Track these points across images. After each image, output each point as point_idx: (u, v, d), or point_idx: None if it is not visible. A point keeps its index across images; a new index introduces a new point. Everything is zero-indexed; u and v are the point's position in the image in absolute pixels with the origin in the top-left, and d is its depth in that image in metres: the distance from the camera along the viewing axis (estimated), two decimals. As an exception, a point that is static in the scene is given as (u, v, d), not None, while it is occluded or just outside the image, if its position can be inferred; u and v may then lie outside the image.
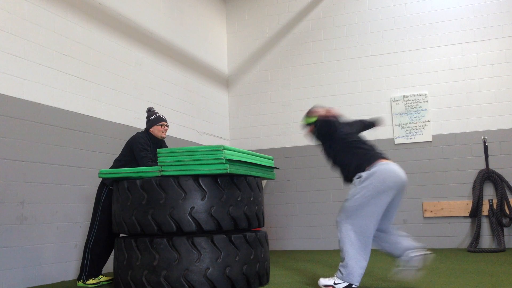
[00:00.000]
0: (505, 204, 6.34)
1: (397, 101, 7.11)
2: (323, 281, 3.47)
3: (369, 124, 4.08)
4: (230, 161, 3.48)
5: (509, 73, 6.68)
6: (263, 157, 4.05)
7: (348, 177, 3.56)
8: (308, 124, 3.87)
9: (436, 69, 7.02)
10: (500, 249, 5.97)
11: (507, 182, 6.42)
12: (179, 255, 3.40)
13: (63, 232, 4.59)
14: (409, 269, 3.47)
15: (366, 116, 7.24)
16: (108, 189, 4.23)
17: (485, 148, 6.61)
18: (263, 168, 4.07)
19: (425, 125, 6.93)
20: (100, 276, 4.22)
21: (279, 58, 7.92)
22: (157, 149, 3.73)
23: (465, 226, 6.60)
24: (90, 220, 4.41)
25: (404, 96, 7.08)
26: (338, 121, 3.73)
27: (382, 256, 5.85)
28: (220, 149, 3.45)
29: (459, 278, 3.90)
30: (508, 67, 6.69)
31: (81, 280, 4.16)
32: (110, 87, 5.37)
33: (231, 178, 3.66)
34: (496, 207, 6.37)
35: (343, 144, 3.59)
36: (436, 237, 6.69)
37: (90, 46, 5.13)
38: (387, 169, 3.35)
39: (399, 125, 7.06)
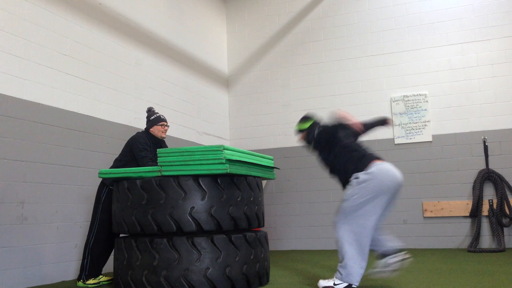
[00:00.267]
0: (505, 204, 6.35)
1: (397, 101, 7.11)
2: (322, 282, 3.47)
3: (373, 123, 4.01)
4: (230, 161, 3.48)
5: (509, 73, 6.68)
6: (263, 157, 4.05)
7: (346, 180, 3.53)
8: (301, 130, 3.83)
9: (436, 69, 7.02)
10: (500, 249, 5.97)
11: (507, 182, 6.42)
12: (179, 255, 3.40)
13: (63, 232, 4.59)
14: (387, 272, 3.51)
15: (366, 116, 7.26)
16: (108, 189, 4.23)
17: (485, 148, 6.61)
18: (263, 168, 4.07)
19: (425, 125, 6.93)
20: (100, 276, 4.22)
21: (279, 58, 7.92)
22: (157, 149, 3.74)
23: (465, 226, 6.60)
24: (90, 220, 4.41)
25: (404, 96, 7.08)
26: (337, 126, 3.67)
27: (382, 256, 5.84)
28: (220, 149, 3.45)
29: (459, 278, 3.90)
30: (508, 67, 6.69)
31: (81, 280, 4.16)
32: (110, 87, 5.37)
33: (231, 178, 3.66)
34: (496, 207, 6.37)
35: (339, 148, 3.57)
36: (436, 237, 6.69)
37: (90, 46, 5.13)
38: (385, 169, 3.36)
39: (399, 125, 7.06)
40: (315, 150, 3.74)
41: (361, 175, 3.37)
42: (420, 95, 6.99)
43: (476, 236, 6.31)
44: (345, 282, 3.33)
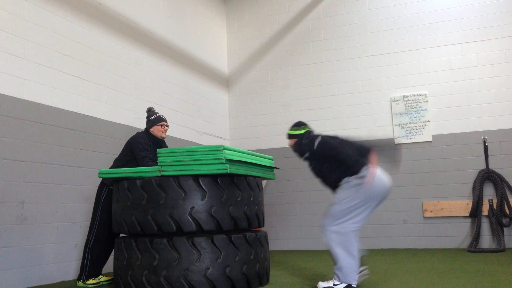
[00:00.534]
0: (505, 204, 6.35)
1: (397, 101, 7.11)
2: (322, 284, 3.49)
3: (365, 151, 3.65)
4: (230, 161, 3.48)
5: (509, 73, 6.68)
6: (263, 157, 4.05)
7: (337, 184, 3.53)
8: (293, 135, 3.75)
9: (436, 69, 7.02)
10: (500, 249, 5.97)
11: (507, 182, 6.42)
12: (179, 255, 3.40)
13: (63, 232, 4.59)
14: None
15: (366, 116, 7.27)
16: (108, 189, 4.23)
17: (485, 148, 6.61)
18: (263, 168, 4.07)
19: (425, 125, 6.93)
20: (100, 276, 4.22)
21: (279, 58, 7.92)
22: (157, 149, 3.73)
23: (465, 226, 6.60)
24: (90, 220, 4.41)
25: (404, 96, 7.08)
26: (333, 137, 3.63)
27: (382, 256, 5.85)
28: (220, 149, 3.45)
29: (459, 278, 3.90)
30: (508, 67, 6.69)
31: (81, 280, 4.16)
32: (110, 87, 5.37)
33: (231, 178, 3.66)
34: (496, 207, 6.37)
35: (333, 156, 3.52)
36: (436, 237, 6.69)
37: (90, 46, 5.13)
38: (376, 175, 3.38)
39: (399, 125, 7.06)
40: (308, 159, 3.66)
41: (353, 179, 3.40)
42: (420, 95, 6.99)
43: (476, 236, 6.31)
44: (344, 282, 3.37)
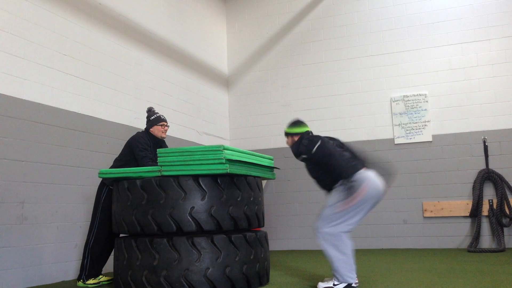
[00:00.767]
0: (505, 204, 6.34)
1: (397, 101, 7.11)
2: (321, 284, 3.50)
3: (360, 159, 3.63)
4: (230, 161, 3.48)
5: (509, 73, 6.68)
6: (263, 157, 4.05)
7: (331, 187, 3.55)
8: (290, 134, 3.74)
9: (436, 69, 7.02)
10: (500, 249, 5.97)
11: (507, 182, 6.42)
12: (179, 255, 3.40)
13: (63, 232, 4.59)
14: None
15: (366, 116, 7.27)
16: (108, 189, 4.23)
17: (485, 148, 6.61)
18: (263, 168, 4.07)
19: (425, 125, 6.93)
20: (100, 276, 4.22)
21: (279, 58, 7.92)
22: (157, 149, 3.73)
23: (465, 226, 6.60)
24: (90, 220, 4.41)
25: (404, 96, 7.08)
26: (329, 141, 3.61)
27: (382, 256, 5.85)
28: (220, 149, 3.45)
29: (459, 278, 3.90)
30: (508, 67, 6.69)
31: (81, 280, 4.16)
32: (110, 87, 5.37)
33: (231, 178, 3.66)
34: (496, 207, 6.37)
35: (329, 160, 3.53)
36: (436, 237, 6.69)
37: (90, 46, 5.13)
38: (369, 178, 3.42)
39: (399, 125, 7.06)
40: (304, 160, 3.65)
41: (347, 182, 3.41)
42: (420, 95, 6.99)
43: (476, 236, 6.31)
44: (343, 282, 3.39)
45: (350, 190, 3.35)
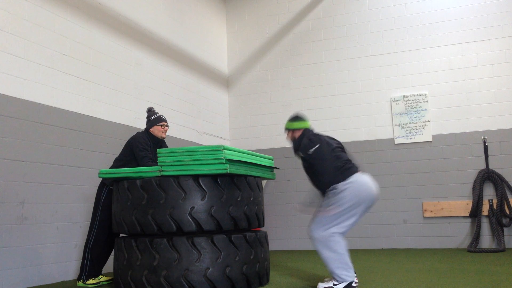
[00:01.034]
0: (505, 204, 6.34)
1: (397, 101, 7.11)
2: (321, 285, 3.50)
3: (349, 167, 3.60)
4: (230, 161, 3.48)
5: (509, 73, 6.68)
6: (263, 157, 4.06)
7: (325, 190, 3.56)
8: (291, 129, 3.75)
9: (436, 69, 7.02)
10: (500, 249, 5.97)
11: (507, 182, 6.42)
12: (179, 255, 3.40)
13: (63, 232, 4.59)
14: None
15: (366, 116, 7.27)
16: (108, 189, 4.23)
17: (485, 148, 6.61)
18: (263, 168, 4.07)
19: (425, 125, 6.93)
20: (100, 276, 4.22)
21: (279, 58, 7.92)
22: (157, 149, 3.73)
23: (465, 226, 6.60)
24: (90, 220, 4.41)
25: (404, 96, 7.08)
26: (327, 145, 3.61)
27: (382, 256, 5.85)
28: (220, 149, 3.45)
29: (459, 278, 3.90)
30: (508, 67, 6.69)
31: (81, 280, 4.16)
32: (110, 87, 5.37)
33: (231, 178, 3.66)
34: (496, 207, 6.36)
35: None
36: (436, 237, 6.69)
37: (90, 46, 5.13)
38: (362, 182, 3.44)
39: (399, 125, 7.06)
40: (301, 158, 3.68)
41: (339, 186, 3.42)
42: (420, 95, 6.99)
43: (476, 236, 6.31)
44: (343, 282, 3.39)
45: (333, 198, 3.40)
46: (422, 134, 6.92)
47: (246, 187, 3.76)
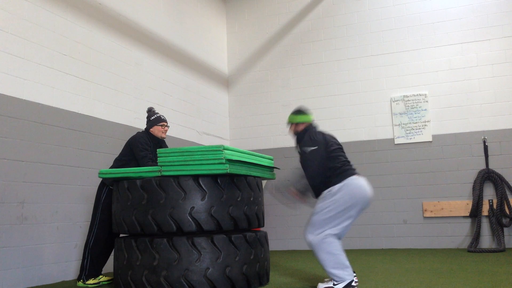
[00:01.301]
0: (505, 204, 6.34)
1: (397, 101, 7.11)
2: (321, 285, 3.50)
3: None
4: (230, 161, 3.48)
5: (509, 73, 6.68)
6: (263, 157, 4.06)
7: (319, 192, 3.58)
8: (294, 122, 3.79)
9: (436, 69, 7.02)
10: (500, 249, 5.97)
11: (507, 182, 6.42)
12: (179, 255, 3.40)
13: (63, 232, 4.59)
14: None
15: (366, 116, 7.26)
16: (108, 189, 4.23)
17: (485, 148, 6.61)
18: (263, 168, 4.07)
19: (425, 125, 6.93)
20: (100, 276, 4.22)
21: (279, 58, 7.92)
22: (157, 149, 3.74)
23: (465, 226, 6.60)
24: (90, 220, 4.41)
25: (404, 96, 7.08)
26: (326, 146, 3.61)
27: (382, 256, 5.85)
28: (220, 149, 3.45)
29: (459, 278, 3.90)
30: (508, 67, 6.69)
31: (81, 280, 4.16)
32: (110, 87, 5.37)
33: (231, 178, 3.66)
34: (496, 207, 6.36)
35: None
36: (436, 237, 6.68)
37: (90, 46, 5.13)
38: (356, 184, 3.45)
39: (399, 125, 7.06)
40: (299, 153, 3.70)
41: (334, 188, 3.43)
42: (420, 95, 6.99)
43: (476, 236, 6.31)
44: (342, 282, 3.39)
45: (329, 200, 3.42)
46: (422, 134, 6.93)
47: (246, 187, 3.77)
